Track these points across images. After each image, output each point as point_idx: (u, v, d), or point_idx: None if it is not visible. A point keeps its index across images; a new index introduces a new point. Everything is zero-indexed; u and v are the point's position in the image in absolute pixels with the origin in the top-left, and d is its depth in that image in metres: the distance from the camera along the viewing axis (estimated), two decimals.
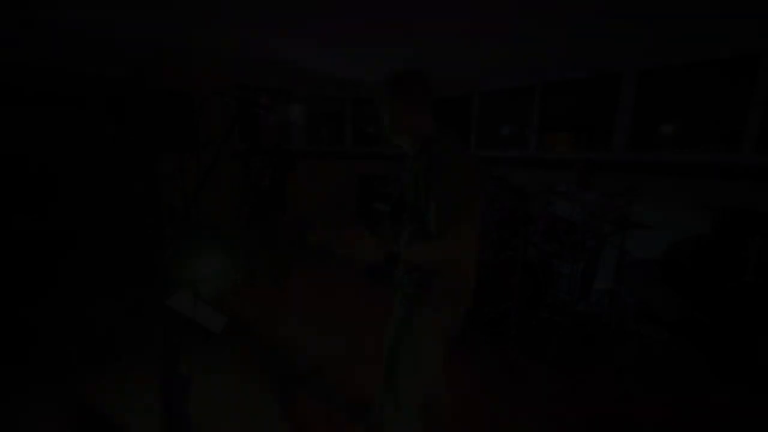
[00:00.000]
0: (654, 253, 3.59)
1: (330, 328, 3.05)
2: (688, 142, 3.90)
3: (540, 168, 4.69)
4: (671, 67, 3.60)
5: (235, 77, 4.71)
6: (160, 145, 3.18)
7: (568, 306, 2.99)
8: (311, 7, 2.54)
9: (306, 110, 5.64)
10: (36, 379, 2.29)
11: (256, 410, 2.10)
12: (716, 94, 3.71)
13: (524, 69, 4.28)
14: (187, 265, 3.34)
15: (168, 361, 1.34)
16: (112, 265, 4.01)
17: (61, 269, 3.82)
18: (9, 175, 4.85)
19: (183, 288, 1.60)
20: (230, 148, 4.60)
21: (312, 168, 5.67)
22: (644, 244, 3.50)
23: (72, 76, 4.37)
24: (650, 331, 2.93)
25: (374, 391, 1.59)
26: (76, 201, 4.01)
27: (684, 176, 3.59)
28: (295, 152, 3.45)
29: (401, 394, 1.38)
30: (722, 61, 3.32)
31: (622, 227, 2.69)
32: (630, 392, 2.30)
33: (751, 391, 2.33)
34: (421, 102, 1.33)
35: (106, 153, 5.42)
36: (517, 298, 2.66)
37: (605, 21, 2.72)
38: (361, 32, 3.08)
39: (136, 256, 4.09)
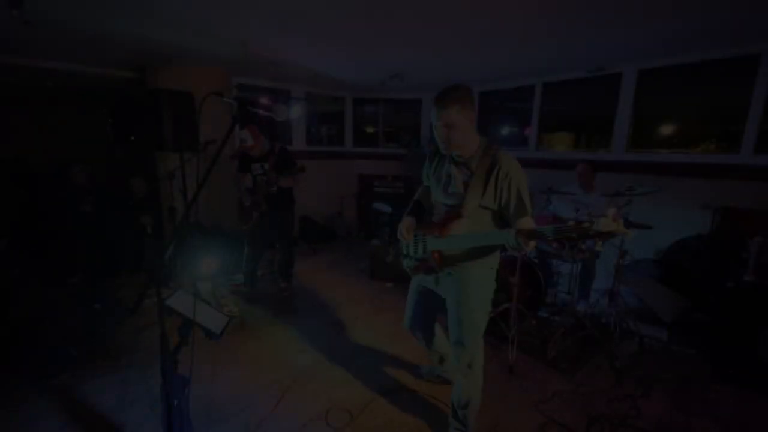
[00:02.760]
0: (654, 253, 3.60)
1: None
2: (688, 142, 3.91)
3: (540, 168, 4.68)
4: (671, 67, 3.60)
5: (235, 77, 4.72)
6: (159, 145, 3.18)
7: (568, 306, 2.99)
8: (313, 8, 2.54)
9: (306, 110, 5.63)
10: (35, 379, 2.30)
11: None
12: (716, 94, 3.71)
13: (524, 69, 4.27)
14: (187, 265, 3.34)
15: (168, 361, 1.34)
16: (112, 265, 4.02)
17: (60, 268, 3.82)
18: (8, 176, 4.86)
19: (183, 288, 1.60)
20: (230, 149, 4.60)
21: (312, 168, 5.67)
22: (644, 244, 3.50)
23: (72, 76, 4.37)
24: (650, 331, 2.93)
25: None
26: (75, 200, 4.01)
27: (684, 176, 3.59)
28: (292, 153, 3.45)
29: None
30: (722, 61, 3.32)
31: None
32: (630, 392, 2.30)
33: (751, 391, 2.33)
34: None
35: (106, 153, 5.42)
36: (517, 298, 2.66)
37: (606, 21, 2.72)
38: (361, 34, 3.08)
39: (135, 256, 4.10)
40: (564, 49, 3.45)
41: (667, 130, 4.07)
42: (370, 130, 6.57)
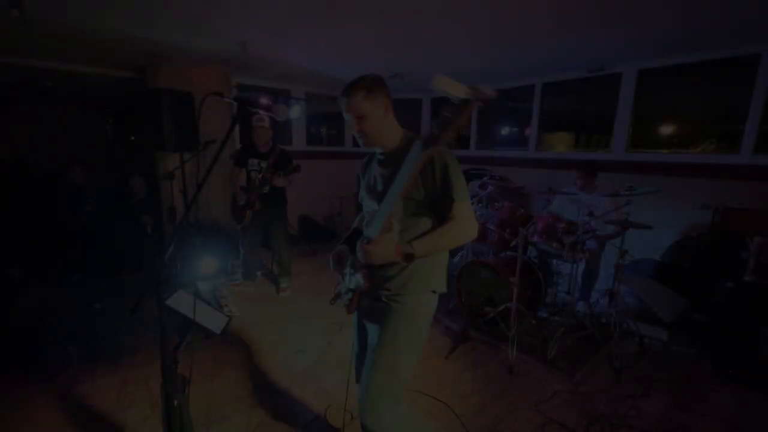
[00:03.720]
0: (654, 253, 3.59)
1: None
2: (688, 142, 3.91)
3: (540, 168, 4.69)
4: (671, 67, 3.60)
5: (235, 77, 4.72)
6: (159, 145, 3.18)
7: (568, 306, 2.99)
8: (312, 8, 2.54)
9: (306, 110, 5.63)
10: (35, 379, 2.30)
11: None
12: (716, 94, 3.71)
13: (524, 69, 4.27)
14: (187, 265, 3.34)
15: (168, 361, 1.34)
16: (112, 265, 4.02)
17: (59, 267, 3.82)
18: (8, 176, 4.86)
19: (183, 288, 1.60)
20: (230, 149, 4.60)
21: (312, 168, 5.67)
22: (644, 244, 3.50)
23: (72, 76, 4.37)
24: (650, 331, 2.93)
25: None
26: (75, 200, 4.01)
27: (684, 176, 3.59)
28: (290, 153, 3.45)
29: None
30: (722, 61, 3.32)
31: (622, 227, 2.69)
32: (630, 392, 2.30)
33: (751, 391, 2.33)
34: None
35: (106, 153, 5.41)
36: (517, 298, 2.66)
37: (606, 21, 2.72)
38: (361, 34, 3.08)
39: (135, 256, 4.10)
40: (564, 49, 3.45)
41: (667, 130, 4.08)
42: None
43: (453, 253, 4.62)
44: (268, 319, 3.17)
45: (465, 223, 1.31)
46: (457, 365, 2.57)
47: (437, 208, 1.33)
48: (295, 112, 5.07)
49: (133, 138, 6.48)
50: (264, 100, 1.50)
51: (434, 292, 1.43)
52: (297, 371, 2.45)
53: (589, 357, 2.67)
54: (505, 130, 5.54)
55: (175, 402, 1.35)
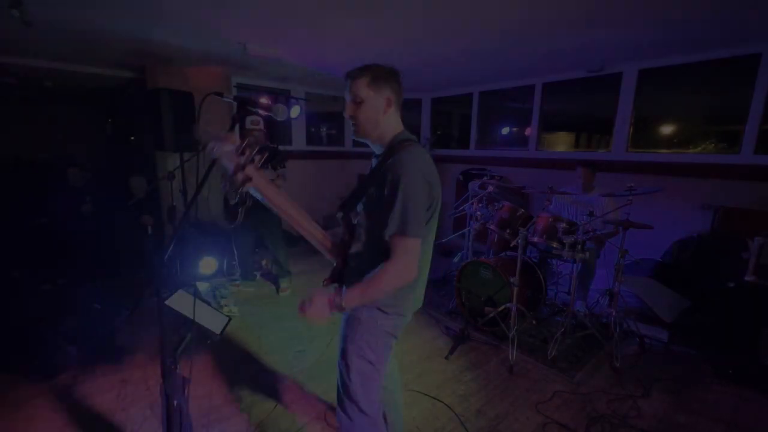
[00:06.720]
0: (654, 253, 3.59)
1: None
2: (688, 142, 3.91)
3: (540, 168, 4.69)
4: (671, 67, 3.60)
5: (235, 77, 4.72)
6: (159, 145, 3.18)
7: (568, 306, 2.99)
8: (312, 8, 2.54)
9: (306, 110, 5.64)
10: (35, 379, 2.30)
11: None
12: (716, 94, 3.71)
13: (524, 69, 4.27)
14: (187, 265, 3.34)
15: (168, 361, 1.34)
16: (112, 265, 4.02)
17: (58, 268, 3.82)
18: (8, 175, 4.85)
19: (183, 288, 1.60)
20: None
21: (312, 168, 5.68)
22: (644, 244, 3.50)
23: (72, 76, 4.38)
24: (650, 331, 2.93)
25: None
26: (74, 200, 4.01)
27: (684, 176, 3.59)
28: (284, 152, 3.44)
29: None
30: (722, 61, 3.32)
31: (622, 227, 2.69)
32: (630, 392, 2.30)
33: (751, 391, 2.33)
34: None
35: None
36: (517, 298, 2.66)
37: (606, 21, 2.72)
38: (360, 33, 3.08)
39: (135, 256, 4.09)
40: (564, 49, 3.44)
41: (667, 130, 4.08)
42: None
43: (453, 253, 4.62)
44: (268, 319, 3.17)
45: (398, 264, 1.12)
46: (457, 365, 2.57)
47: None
48: (295, 112, 5.08)
49: (133, 138, 6.49)
50: (264, 100, 1.49)
51: (382, 311, 1.26)
52: (297, 371, 2.45)
53: (589, 357, 2.67)
54: (505, 130, 5.54)
55: (175, 402, 1.35)
